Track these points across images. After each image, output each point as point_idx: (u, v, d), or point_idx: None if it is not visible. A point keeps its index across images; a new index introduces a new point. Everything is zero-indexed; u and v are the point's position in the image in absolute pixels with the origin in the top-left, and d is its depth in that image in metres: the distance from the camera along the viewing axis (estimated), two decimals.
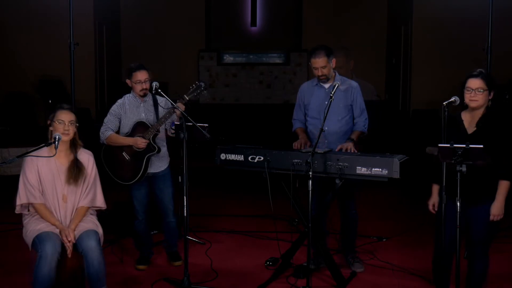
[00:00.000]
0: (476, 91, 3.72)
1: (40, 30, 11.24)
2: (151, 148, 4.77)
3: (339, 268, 4.61)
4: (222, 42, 14.16)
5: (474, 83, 3.73)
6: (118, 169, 4.83)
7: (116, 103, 4.90)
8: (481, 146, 3.49)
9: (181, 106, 4.56)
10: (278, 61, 14.18)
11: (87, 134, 4.84)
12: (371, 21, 13.64)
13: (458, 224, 3.65)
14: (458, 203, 3.62)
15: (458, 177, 3.56)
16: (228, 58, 14.17)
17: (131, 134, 4.81)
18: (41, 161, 3.93)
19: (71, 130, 3.95)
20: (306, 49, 13.75)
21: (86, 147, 4.16)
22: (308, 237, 4.22)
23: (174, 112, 4.60)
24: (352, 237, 4.99)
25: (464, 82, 3.78)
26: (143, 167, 4.77)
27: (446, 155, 3.58)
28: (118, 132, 4.87)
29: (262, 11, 14.12)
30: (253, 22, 14.08)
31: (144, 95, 4.81)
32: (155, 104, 4.85)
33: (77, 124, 4.02)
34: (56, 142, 3.73)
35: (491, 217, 3.76)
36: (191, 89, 4.69)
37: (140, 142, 4.70)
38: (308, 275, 4.16)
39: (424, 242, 5.51)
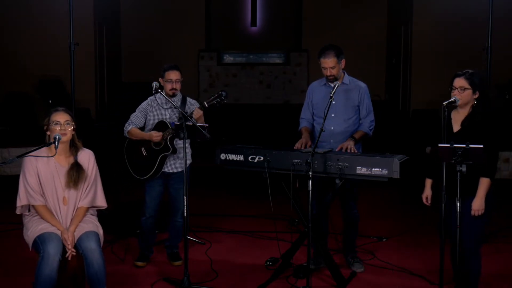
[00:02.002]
0: (459, 89, 3.88)
1: (40, 30, 11.24)
2: (166, 148, 4.80)
3: (339, 268, 4.61)
4: (222, 42, 14.16)
5: (458, 82, 3.91)
6: (135, 163, 4.93)
7: (146, 100, 5.00)
8: (481, 146, 3.55)
9: (199, 112, 4.67)
10: (278, 61, 14.18)
11: (87, 134, 4.85)
12: (371, 21, 13.65)
13: (458, 224, 3.70)
14: (458, 203, 3.68)
15: (458, 177, 3.63)
16: (228, 58, 14.18)
17: None
18: (41, 163, 3.92)
19: (68, 130, 3.94)
20: (306, 49, 13.77)
21: (86, 147, 4.15)
22: (308, 237, 4.22)
23: (193, 116, 4.65)
24: (353, 237, 4.99)
25: (451, 81, 3.95)
26: (156, 166, 4.82)
27: (446, 155, 3.62)
28: (143, 128, 4.94)
29: (262, 11, 14.13)
30: (253, 22, 14.08)
31: (173, 95, 4.86)
32: (183, 106, 4.88)
33: (74, 125, 4.00)
34: (56, 142, 3.74)
35: (472, 212, 3.86)
36: (212, 98, 4.72)
37: (154, 135, 4.78)
38: (308, 275, 4.16)
39: (424, 242, 5.52)
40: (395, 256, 5.19)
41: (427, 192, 4.13)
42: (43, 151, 3.90)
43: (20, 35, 11.34)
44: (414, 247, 5.44)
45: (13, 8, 11.21)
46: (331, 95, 4.26)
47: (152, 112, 4.94)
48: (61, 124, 3.91)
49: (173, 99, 4.87)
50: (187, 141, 4.87)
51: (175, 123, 4.53)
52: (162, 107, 4.87)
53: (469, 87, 3.87)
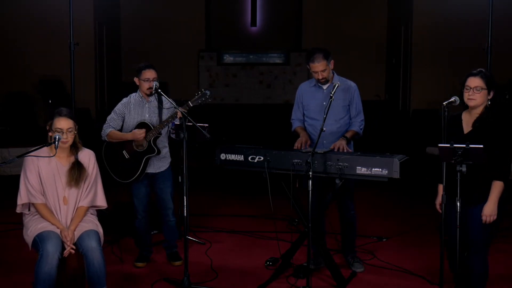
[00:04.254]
0: (474, 89, 3.71)
1: (40, 30, 11.25)
2: (151, 150, 4.79)
3: (339, 268, 4.60)
4: (222, 42, 14.17)
5: (473, 81, 3.72)
6: (117, 167, 4.88)
7: (121, 102, 4.94)
8: (481, 146, 3.48)
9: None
10: (278, 61, 14.19)
11: (87, 134, 4.84)
12: (371, 21, 13.65)
13: (458, 224, 3.65)
14: (458, 203, 3.62)
15: (458, 177, 3.57)
16: (228, 58, 14.18)
17: None
18: (42, 162, 3.93)
19: (70, 138, 3.95)
20: (306, 49, 13.75)
21: (86, 147, 4.16)
22: (308, 237, 4.22)
23: (176, 116, 4.62)
24: (352, 237, 4.99)
25: (464, 81, 3.77)
26: (140, 168, 4.80)
27: (446, 155, 3.59)
28: (121, 131, 4.90)
29: (262, 11, 14.13)
30: (253, 22, 14.09)
31: (150, 94, 4.84)
32: (160, 105, 4.87)
33: (76, 126, 4.01)
34: (56, 142, 3.75)
35: (484, 218, 3.72)
36: (196, 97, 4.70)
37: (138, 134, 4.73)
38: (308, 275, 4.16)
39: (424, 242, 5.52)
40: (395, 256, 5.19)
41: (441, 198, 3.91)
42: (44, 151, 3.91)
43: (20, 35, 11.34)
44: (414, 247, 5.44)
45: (13, 8, 11.22)
46: (331, 94, 4.27)
47: (130, 113, 4.88)
48: (64, 132, 3.91)
49: (150, 99, 4.86)
50: (166, 139, 4.91)
51: (175, 123, 4.52)
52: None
53: (485, 87, 3.69)
